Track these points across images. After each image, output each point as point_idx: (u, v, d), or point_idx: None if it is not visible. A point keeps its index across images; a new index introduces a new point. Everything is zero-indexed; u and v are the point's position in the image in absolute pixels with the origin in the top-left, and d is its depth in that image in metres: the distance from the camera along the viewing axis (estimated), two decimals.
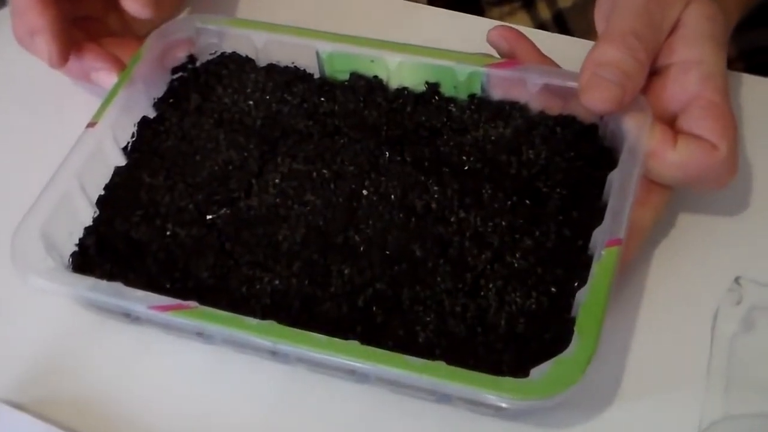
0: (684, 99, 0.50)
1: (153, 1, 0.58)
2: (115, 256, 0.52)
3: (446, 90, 0.56)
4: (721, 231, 0.54)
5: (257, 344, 0.47)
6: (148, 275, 0.51)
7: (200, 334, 0.50)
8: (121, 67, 0.58)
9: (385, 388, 0.48)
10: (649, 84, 0.52)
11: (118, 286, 0.48)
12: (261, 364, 0.50)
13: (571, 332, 0.45)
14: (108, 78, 0.58)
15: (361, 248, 0.51)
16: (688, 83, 0.50)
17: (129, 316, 0.51)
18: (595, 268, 0.46)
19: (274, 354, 0.49)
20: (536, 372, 0.44)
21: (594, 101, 0.49)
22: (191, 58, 0.60)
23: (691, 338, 0.49)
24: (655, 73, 0.52)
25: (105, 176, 0.55)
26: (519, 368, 0.45)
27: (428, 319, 0.48)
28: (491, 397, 0.43)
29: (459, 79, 0.56)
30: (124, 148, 0.56)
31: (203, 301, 0.48)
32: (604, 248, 0.46)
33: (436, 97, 0.57)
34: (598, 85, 0.49)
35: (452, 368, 0.44)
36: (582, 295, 0.46)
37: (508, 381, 0.43)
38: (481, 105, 0.56)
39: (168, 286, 0.51)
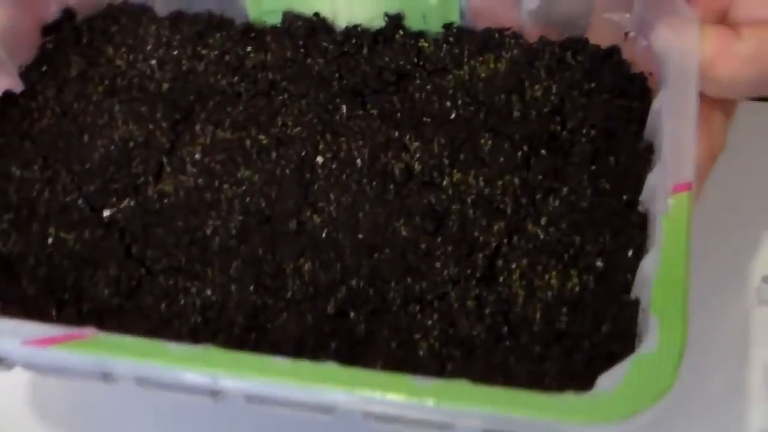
0: None
1: None
2: None
3: (413, 22, 0.43)
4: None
5: (189, 383, 0.32)
6: (24, 300, 0.36)
7: (105, 377, 0.35)
8: None
9: (377, 428, 0.34)
10: None
11: None
12: (196, 411, 0.35)
13: (634, 321, 0.32)
14: None
15: (323, 234, 0.37)
16: None
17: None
18: (663, 224, 0.32)
19: (213, 396, 0.34)
20: (606, 381, 0.30)
21: None
22: (68, 13, 0.45)
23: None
24: None
25: None
26: (570, 380, 0.31)
27: (430, 322, 0.34)
28: (552, 426, 0.29)
29: (429, 4, 0.42)
30: None
31: (106, 328, 0.33)
32: (669, 196, 0.33)
33: (401, 32, 0.42)
34: None
35: (483, 389, 0.30)
36: (650, 265, 0.32)
37: (571, 399, 0.29)
38: (461, 36, 0.42)
39: (54, 313, 0.36)
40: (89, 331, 0.32)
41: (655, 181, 0.35)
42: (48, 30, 0.44)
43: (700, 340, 0.37)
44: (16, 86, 0.43)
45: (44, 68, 0.43)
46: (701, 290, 0.38)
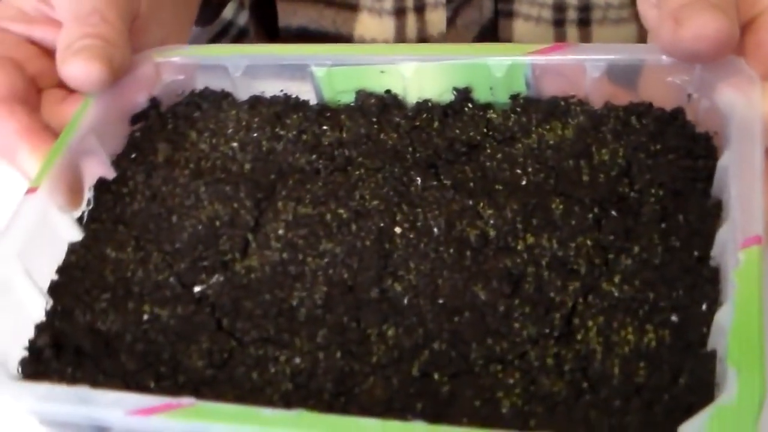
0: None
1: (106, 58, 0.45)
2: (79, 357, 0.39)
3: (480, 94, 0.44)
4: None
5: None
6: (124, 375, 0.38)
7: None
8: (47, 145, 0.44)
9: None
10: (740, 46, 0.40)
11: (81, 390, 0.35)
12: None
13: (712, 372, 0.33)
14: (27, 162, 0.44)
15: (405, 300, 0.38)
16: None
17: None
18: (735, 278, 0.33)
19: None
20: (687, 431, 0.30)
21: (695, 34, 0.37)
22: (154, 102, 0.48)
23: None
24: (741, 33, 0.41)
25: (56, 256, 0.42)
26: None
27: (512, 380, 0.35)
28: None
29: (495, 77, 0.44)
30: (79, 219, 0.44)
31: (202, 398, 0.35)
32: (739, 250, 0.34)
33: (470, 105, 0.44)
34: (693, 15, 0.37)
35: None
36: (724, 318, 0.33)
37: None
38: (528, 106, 0.43)
39: (152, 385, 0.38)
40: (187, 401, 0.34)
41: (725, 236, 0.35)
42: (136, 119, 0.47)
43: None
44: (108, 174, 0.45)
45: (133, 155, 0.46)
46: None
